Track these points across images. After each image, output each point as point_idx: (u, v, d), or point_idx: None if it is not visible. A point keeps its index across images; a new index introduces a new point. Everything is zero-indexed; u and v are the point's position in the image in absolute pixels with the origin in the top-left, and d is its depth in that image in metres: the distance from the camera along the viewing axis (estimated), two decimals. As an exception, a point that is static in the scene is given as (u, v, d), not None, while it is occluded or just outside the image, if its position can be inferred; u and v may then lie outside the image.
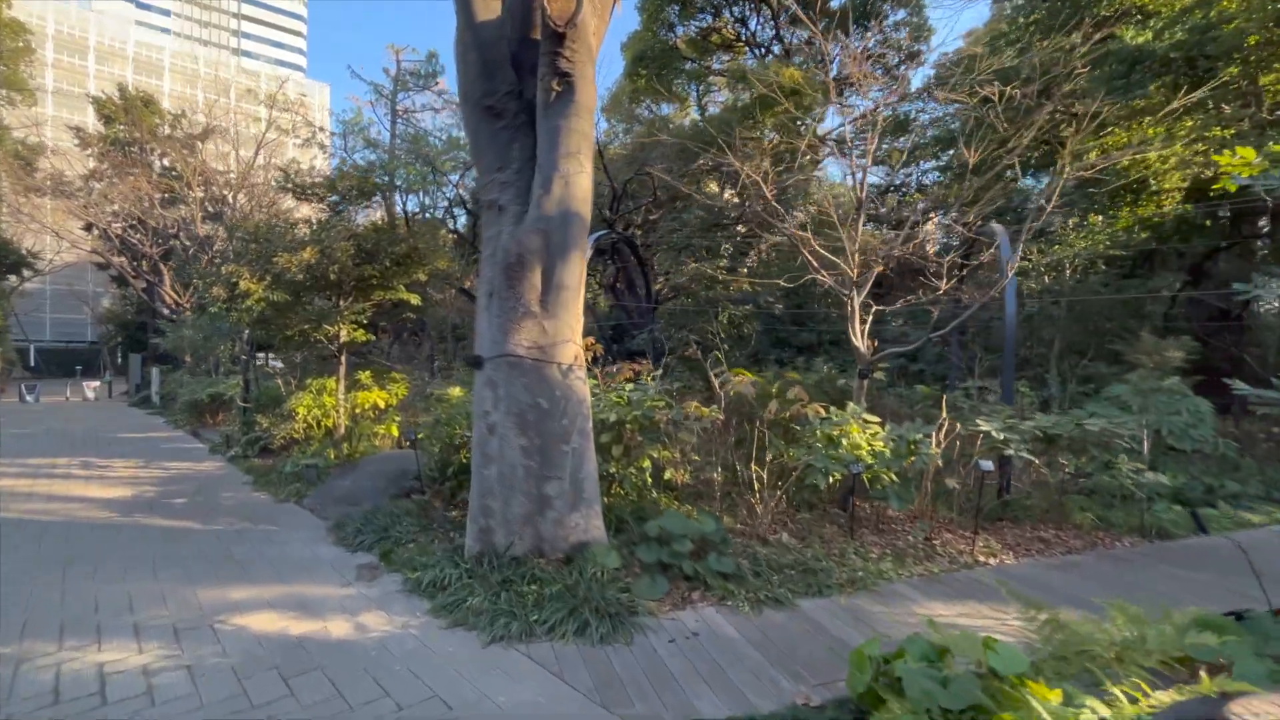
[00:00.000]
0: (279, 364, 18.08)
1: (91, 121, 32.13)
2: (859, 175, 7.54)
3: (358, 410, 9.77)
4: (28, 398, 22.72)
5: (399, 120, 26.68)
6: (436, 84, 27.51)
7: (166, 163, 29.59)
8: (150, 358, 26.58)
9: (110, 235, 26.04)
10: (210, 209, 27.39)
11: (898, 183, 20.09)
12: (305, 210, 19.41)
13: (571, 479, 5.33)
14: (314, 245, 8.14)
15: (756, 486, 6.34)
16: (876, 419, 6.25)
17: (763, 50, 25.12)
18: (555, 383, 5.31)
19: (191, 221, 26.70)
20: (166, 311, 25.07)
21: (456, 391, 7.65)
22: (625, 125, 28.24)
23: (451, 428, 6.80)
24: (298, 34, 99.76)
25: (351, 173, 9.34)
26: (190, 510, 7.43)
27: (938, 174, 18.31)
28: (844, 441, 5.85)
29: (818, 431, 5.96)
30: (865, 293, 6.82)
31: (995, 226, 8.04)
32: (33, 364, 37.58)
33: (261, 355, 14.88)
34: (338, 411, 9.70)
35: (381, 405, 9.82)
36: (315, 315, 8.91)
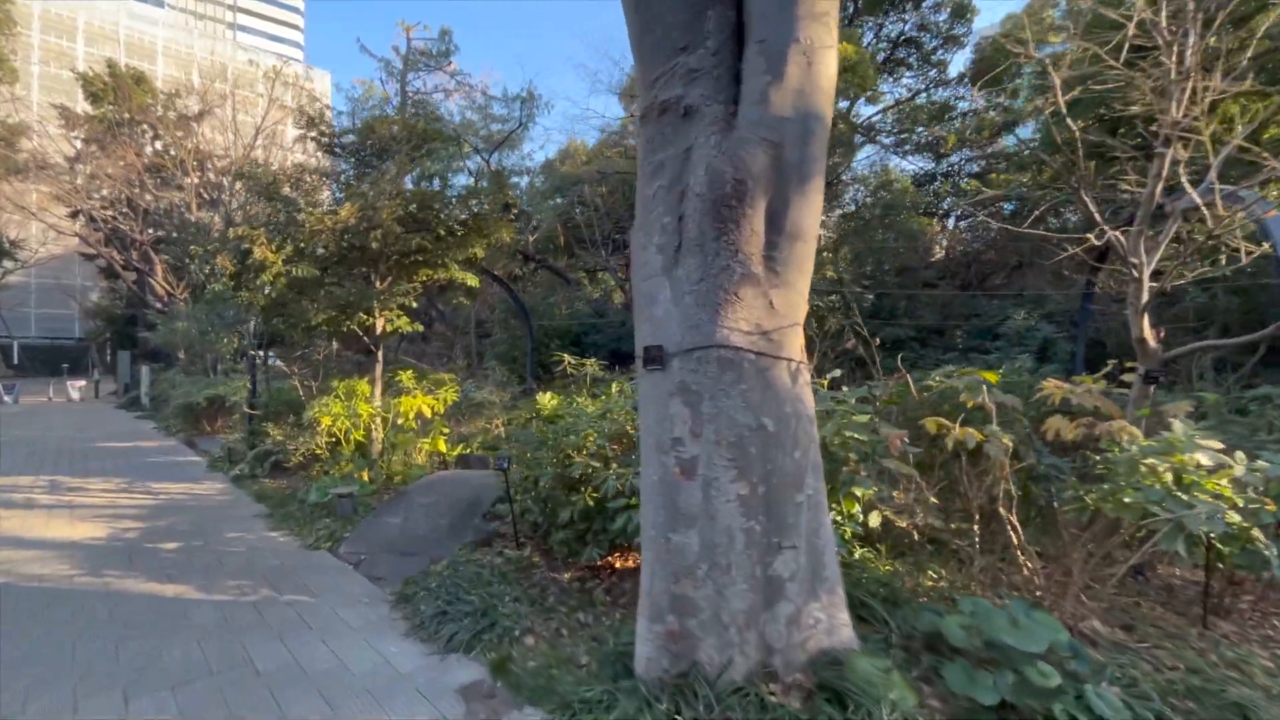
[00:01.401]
0: (279, 362, 15.96)
1: (80, 105, 29.91)
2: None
3: (400, 420, 7.69)
4: (5, 398, 20.53)
5: (409, 105, 24.58)
6: (449, 65, 25.42)
7: (159, 146, 27.44)
8: (140, 355, 24.37)
9: (97, 220, 23.85)
10: (206, 195, 25.24)
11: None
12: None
13: (808, 546, 3.29)
14: (355, 202, 6.05)
15: (1015, 542, 4.28)
16: (1217, 445, 4.20)
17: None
18: (784, 392, 3.26)
19: (186, 208, 24.53)
20: (159, 305, 22.89)
21: (549, 400, 5.64)
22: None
23: (562, 453, 4.73)
24: (294, 27, 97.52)
25: (400, 118, 7.21)
26: (185, 563, 5.34)
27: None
28: (1192, 481, 3.81)
29: (1143, 464, 3.91)
30: (1155, 261, 4.76)
31: (1245, 193, 5.97)
32: (15, 361, 35.30)
33: (262, 353, 12.74)
34: (375, 422, 7.61)
35: (427, 413, 7.75)
36: (348, 299, 6.83)
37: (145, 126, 26.94)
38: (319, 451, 8.11)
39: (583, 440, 4.69)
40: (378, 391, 7.80)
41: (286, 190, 6.87)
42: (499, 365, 13.80)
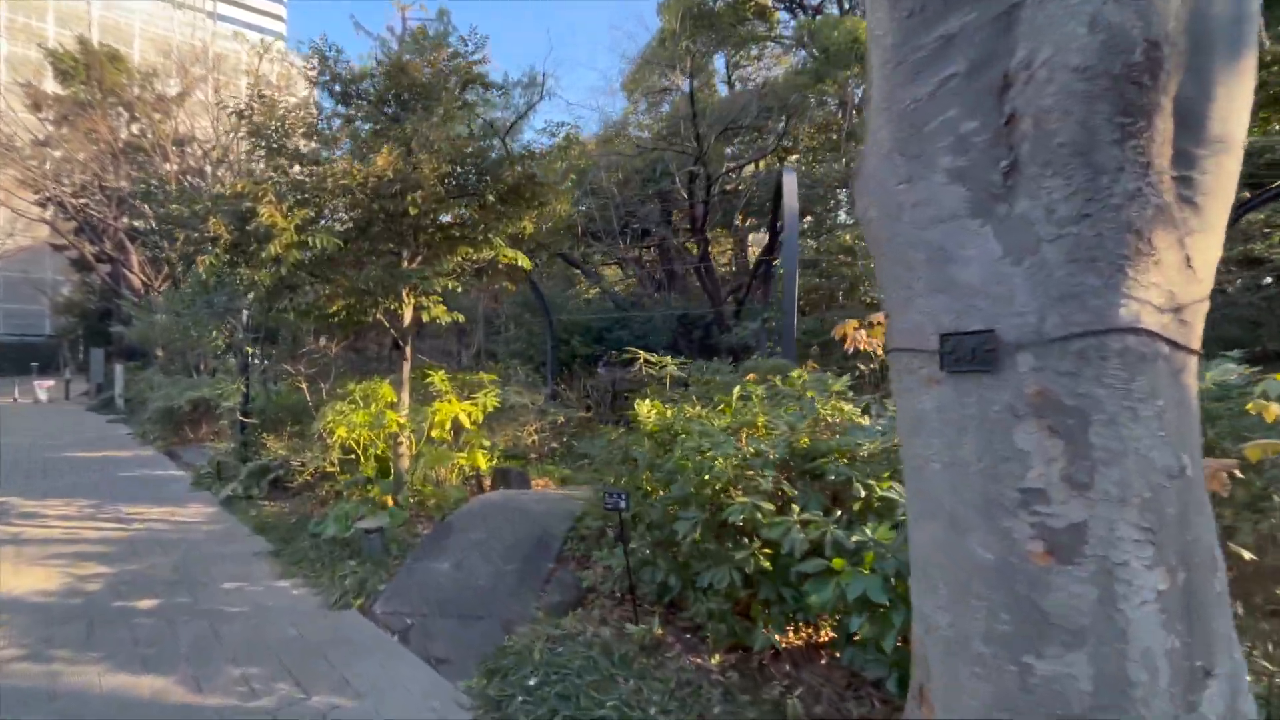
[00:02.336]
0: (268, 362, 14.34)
1: (51, 86, 27.87)
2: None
3: (433, 431, 6.27)
4: (-39, 401, 18.71)
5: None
6: (447, 49, 23.85)
7: (136, 130, 25.59)
8: (115, 353, 22.56)
9: (67, 206, 22.01)
10: (188, 182, 23.51)
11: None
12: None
13: (1230, 673, 1.97)
14: (394, 148, 4.64)
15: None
16: None
17: (811, 11, 21.92)
18: (1196, 410, 1.94)
19: (162, 189, 22.82)
20: (135, 299, 21.13)
21: (652, 409, 4.26)
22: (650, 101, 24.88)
23: (708, 487, 3.35)
24: (277, 17, 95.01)
25: (438, 55, 5.77)
26: (166, 636, 3.89)
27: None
28: None
29: None
30: None
31: None
32: (-20, 360, 33.23)
33: (257, 349, 11.03)
34: (405, 435, 6.19)
35: (466, 423, 6.32)
36: (374, 281, 5.41)
37: (120, 108, 25.11)
38: (331, 469, 6.66)
39: (739, 472, 3.33)
40: (405, 396, 6.38)
41: (300, 142, 5.40)
42: (520, 364, 12.37)
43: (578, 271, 19.16)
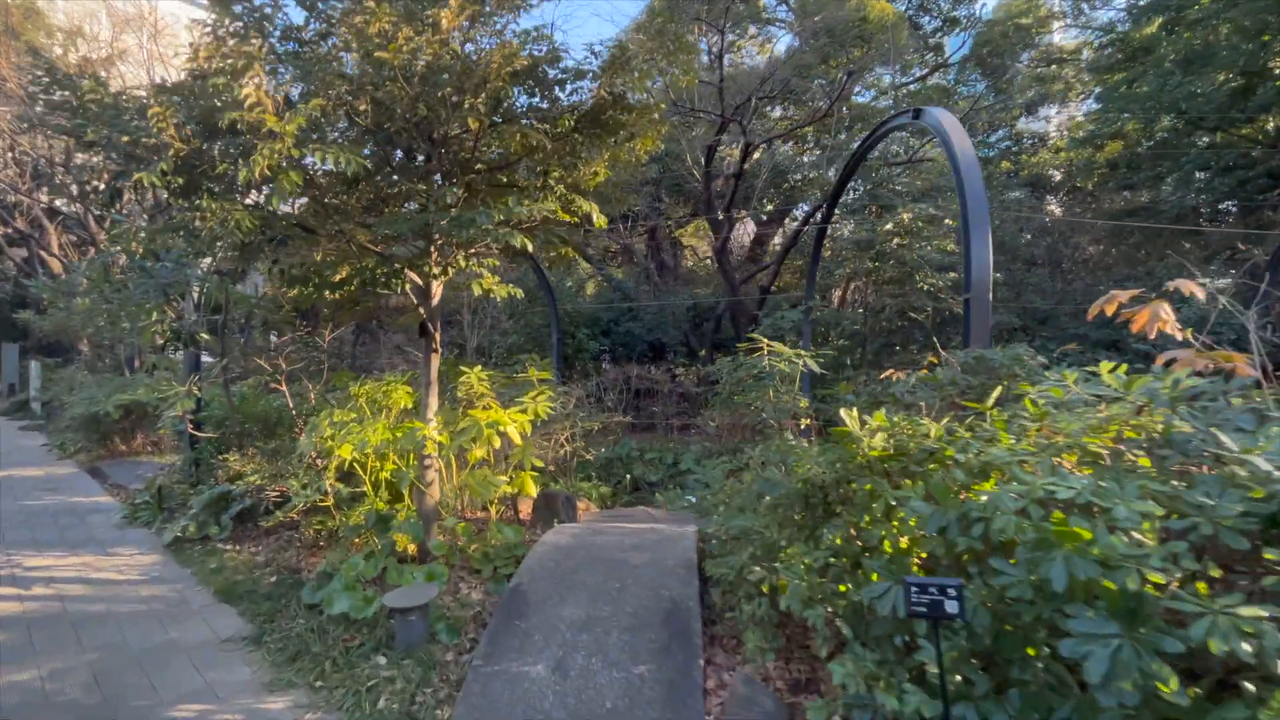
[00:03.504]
0: (208, 355, 12.02)
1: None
2: None
3: (478, 450, 4.47)
4: None
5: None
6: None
7: (59, 96, 22.35)
8: (31, 348, 19.59)
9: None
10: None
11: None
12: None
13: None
14: (466, 4, 2.87)
15: None
16: None
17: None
18: None
19: (90, 168, 19.90)
20: (52, 282, 18.24)
21: (872, 423, 2.65)
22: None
23: (1114, 579, 1.78)
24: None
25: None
26: None
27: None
28: None
29: None
30: None
31: None
32: None
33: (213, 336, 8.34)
34: (438, 456, 4.40)
35: (515, 437, 4.56)
36: (416, 229, 3.61)
37: (40, 72, 21.91)
38: (324, 502, 4.80)
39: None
40: (432, 401, 4.57)
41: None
42: (537, 358, 10.52)
43: (575, 258, 17.37)
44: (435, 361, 4.62)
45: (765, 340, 4.73)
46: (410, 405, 5.13)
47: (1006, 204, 13.31)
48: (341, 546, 4.87)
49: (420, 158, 3.86)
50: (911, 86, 20.34)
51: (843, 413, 2.94)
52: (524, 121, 3.91)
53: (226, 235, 3.25)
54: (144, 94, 3.31)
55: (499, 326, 13.37)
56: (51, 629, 3.85)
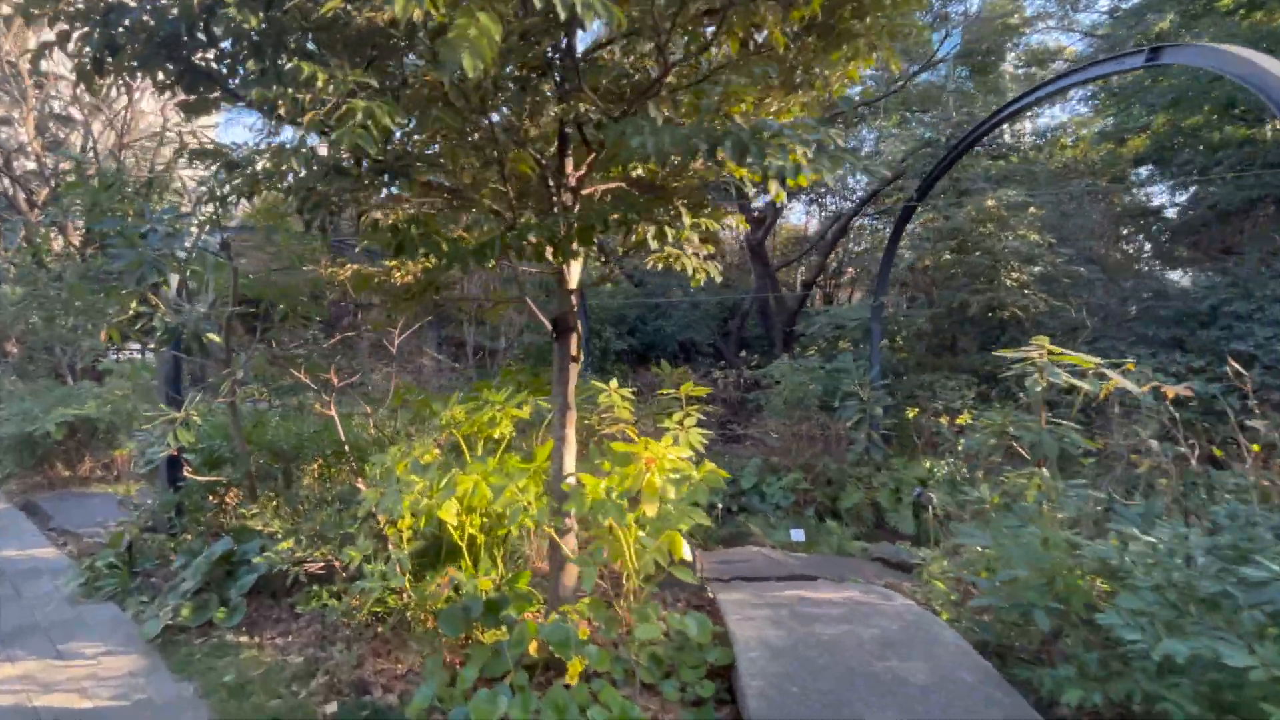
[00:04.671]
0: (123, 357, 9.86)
1: None
2: None
3: (646, 506, 3.03)
4: None
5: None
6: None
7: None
8: (-55, 349, 16.89)
9: None
10: (51, 130, 18.14)
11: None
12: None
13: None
14: None
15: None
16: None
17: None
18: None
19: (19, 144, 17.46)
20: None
21: None
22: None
23: None
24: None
25: None
26: None
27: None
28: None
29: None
30: None
31: None
32: None
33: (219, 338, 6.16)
34: (591, 511, 2.93)
35: (705, 482, 3.14)
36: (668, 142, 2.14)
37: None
38: (395, 585, 3.27)
39: None
40: (570, 433, 3.10)
41: None
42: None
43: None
44: (574, 375, 3.14)
45: (1046, 343, 3.39)
46: (511, 435, 3.64)
47: (1067, 194, 12.39)
48: (420, 640, 3.36)
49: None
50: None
51: None
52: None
53: (299, 154, 1.74)
54: None
55: (513, 324, 11.80)
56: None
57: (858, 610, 3.42)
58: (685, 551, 3.42)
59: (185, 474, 4.19)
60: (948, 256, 9.48)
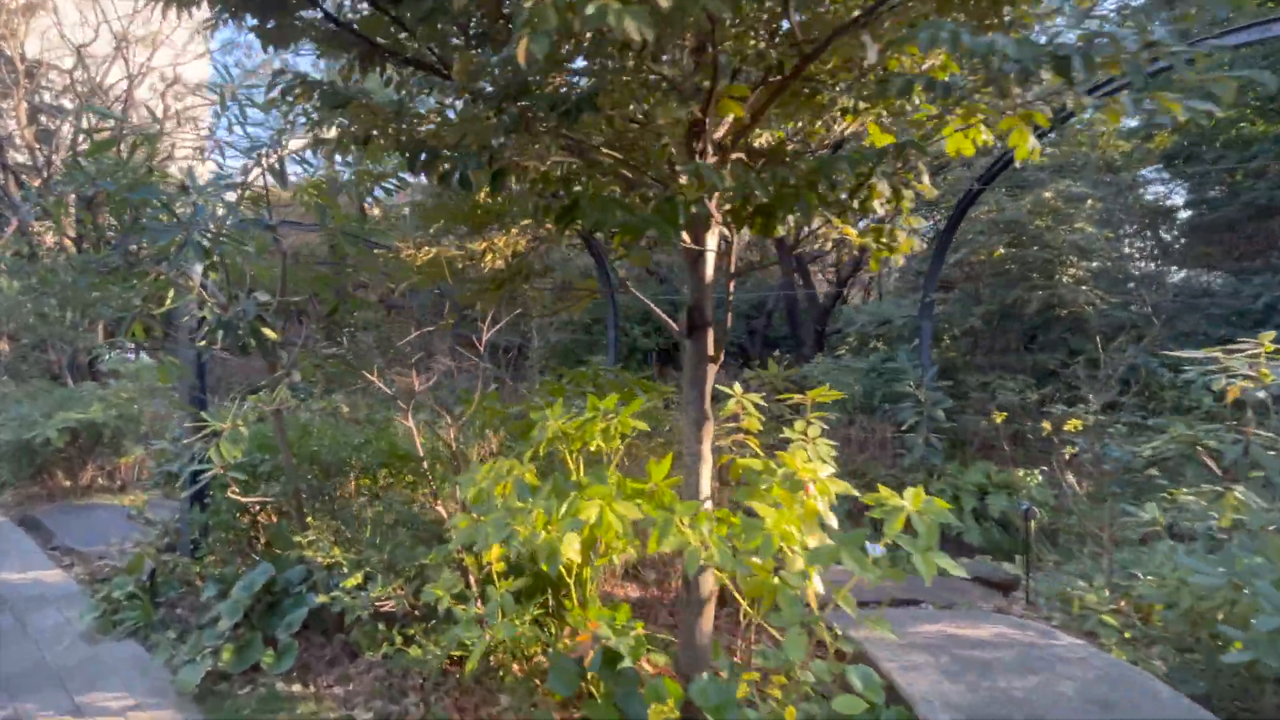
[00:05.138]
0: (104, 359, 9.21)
1: None
2: None
3: (809, 537, 2.51)
4: None
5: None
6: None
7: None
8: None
9: None
10: (42, 121, 17.41)
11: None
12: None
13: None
14: None
15: None
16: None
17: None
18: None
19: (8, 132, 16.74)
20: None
21: None
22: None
23: None
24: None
25: None
26: None
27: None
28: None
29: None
30: None
31: None
32: None
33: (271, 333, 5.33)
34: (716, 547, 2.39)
35: (928, 514, 2.61)
36: None
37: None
38: (491, 635, 2.73)
39: None
40: (706, 450, 2.57)
41: None
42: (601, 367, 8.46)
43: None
44: (710, 378, 2.61)
45: (1267, 341, 2.89)
46: (618, 450, 3.10)
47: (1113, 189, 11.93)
48: (513, 692, 2.83)
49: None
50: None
51: None
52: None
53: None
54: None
55: (548, 322, 11.20)
56: None
57: (1029, 653, 2.91)
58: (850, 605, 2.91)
59: (230, 494, 3.60)
60: (1001, 251, 9.00)
